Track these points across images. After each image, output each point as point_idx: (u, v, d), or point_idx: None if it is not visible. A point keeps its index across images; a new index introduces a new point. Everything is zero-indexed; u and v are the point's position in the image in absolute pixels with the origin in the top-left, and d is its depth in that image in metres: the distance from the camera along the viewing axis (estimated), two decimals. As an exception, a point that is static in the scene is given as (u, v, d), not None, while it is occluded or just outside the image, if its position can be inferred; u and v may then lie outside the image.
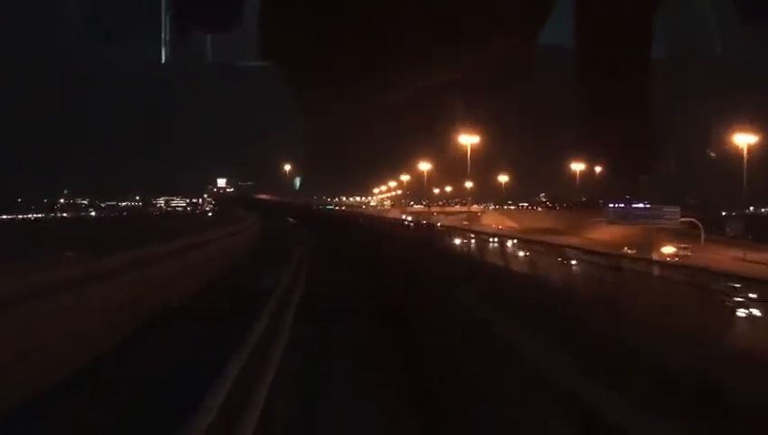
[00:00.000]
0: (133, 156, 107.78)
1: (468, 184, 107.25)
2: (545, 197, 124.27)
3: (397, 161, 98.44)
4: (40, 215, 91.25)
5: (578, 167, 78.11)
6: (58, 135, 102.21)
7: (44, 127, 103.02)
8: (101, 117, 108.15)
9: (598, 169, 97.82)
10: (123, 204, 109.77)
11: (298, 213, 67.52)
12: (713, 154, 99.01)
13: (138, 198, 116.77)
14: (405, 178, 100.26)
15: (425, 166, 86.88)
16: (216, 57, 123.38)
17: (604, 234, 50.73)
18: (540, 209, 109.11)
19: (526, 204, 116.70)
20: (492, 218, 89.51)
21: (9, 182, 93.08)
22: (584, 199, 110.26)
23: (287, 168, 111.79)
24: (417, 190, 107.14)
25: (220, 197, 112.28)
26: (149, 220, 77.02)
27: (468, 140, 63.21)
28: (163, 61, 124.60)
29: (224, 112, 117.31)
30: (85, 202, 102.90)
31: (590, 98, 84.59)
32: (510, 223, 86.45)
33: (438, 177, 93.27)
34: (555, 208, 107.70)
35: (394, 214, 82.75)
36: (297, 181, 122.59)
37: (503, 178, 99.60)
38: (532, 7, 73.68)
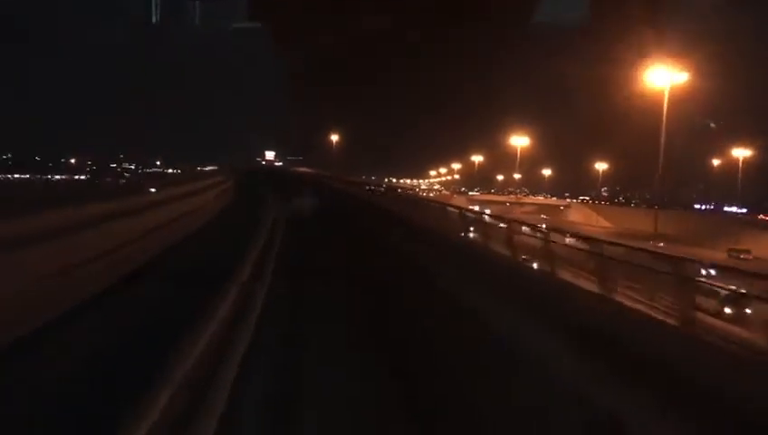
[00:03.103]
0: (199, 128, 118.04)
1: (546, 171, 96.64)
2: (606, 191, 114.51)
3: (469, 137, 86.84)
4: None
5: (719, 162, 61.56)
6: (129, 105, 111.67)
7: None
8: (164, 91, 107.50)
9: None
10: (163, 170, 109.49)
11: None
12: (712, 124, 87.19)
13: (159, 162, 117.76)
14: (477, 158, 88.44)
15: (520, 141, 70.86)
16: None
17: None
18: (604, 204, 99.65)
19: (587, 198, 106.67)
20: (577, 215, 79.79)
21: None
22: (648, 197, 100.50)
23: (334, 138, 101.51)
24: (481, 174, 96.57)
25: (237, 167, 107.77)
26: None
27: (668, 79, 38.53)
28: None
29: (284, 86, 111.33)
30: (131, 167, 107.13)
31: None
32: (601, 221, 76.54)
33: (535, 157, 77.81)
34: (630, 205, 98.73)
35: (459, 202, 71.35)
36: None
37: (601, 166, 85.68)
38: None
